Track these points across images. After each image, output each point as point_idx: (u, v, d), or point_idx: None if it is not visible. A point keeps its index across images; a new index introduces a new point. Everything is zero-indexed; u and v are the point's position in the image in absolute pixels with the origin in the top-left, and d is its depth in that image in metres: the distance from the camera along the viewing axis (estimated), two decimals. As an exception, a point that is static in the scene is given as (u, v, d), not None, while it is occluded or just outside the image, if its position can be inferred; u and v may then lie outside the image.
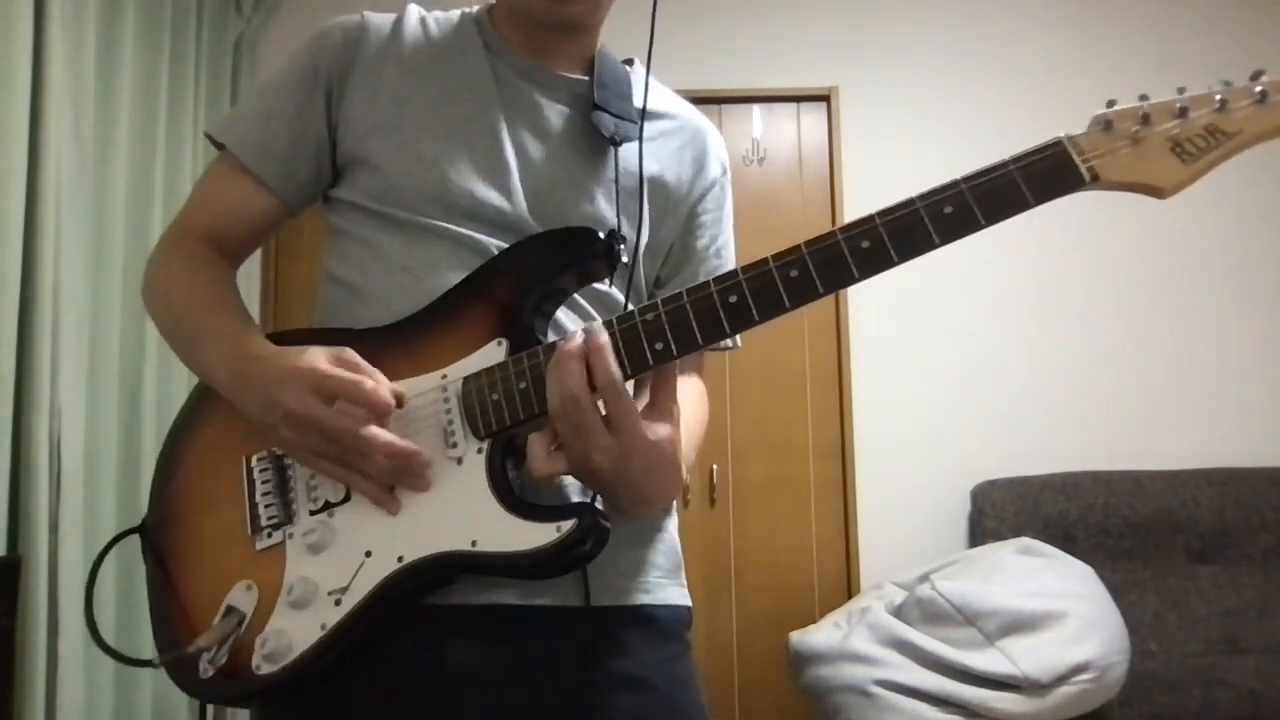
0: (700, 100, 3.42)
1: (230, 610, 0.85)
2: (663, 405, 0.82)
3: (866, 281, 0.76)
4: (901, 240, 0.74)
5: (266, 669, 0.82)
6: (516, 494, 0.82)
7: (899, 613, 2.38)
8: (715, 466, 3.09)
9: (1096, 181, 0.71)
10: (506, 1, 1.02)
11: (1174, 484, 2.83)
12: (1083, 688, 2.13)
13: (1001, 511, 2.82)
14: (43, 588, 1.98)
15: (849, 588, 3.02)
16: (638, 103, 1.00)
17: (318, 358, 0.84)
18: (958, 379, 3.12)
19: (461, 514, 0.82)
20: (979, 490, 2.93)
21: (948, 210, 0.73)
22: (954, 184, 0.73)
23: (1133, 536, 2.78)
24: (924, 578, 2.42)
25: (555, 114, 0.99)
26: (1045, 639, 2.17)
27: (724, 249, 1.08)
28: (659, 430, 0.81)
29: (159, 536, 0.93)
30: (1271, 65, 0.72)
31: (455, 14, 1.04)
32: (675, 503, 1.02)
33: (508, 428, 0.82)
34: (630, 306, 0.93)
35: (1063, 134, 0.73)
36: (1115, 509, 2.79)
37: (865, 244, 0.75)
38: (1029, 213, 0.75)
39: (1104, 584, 2.41)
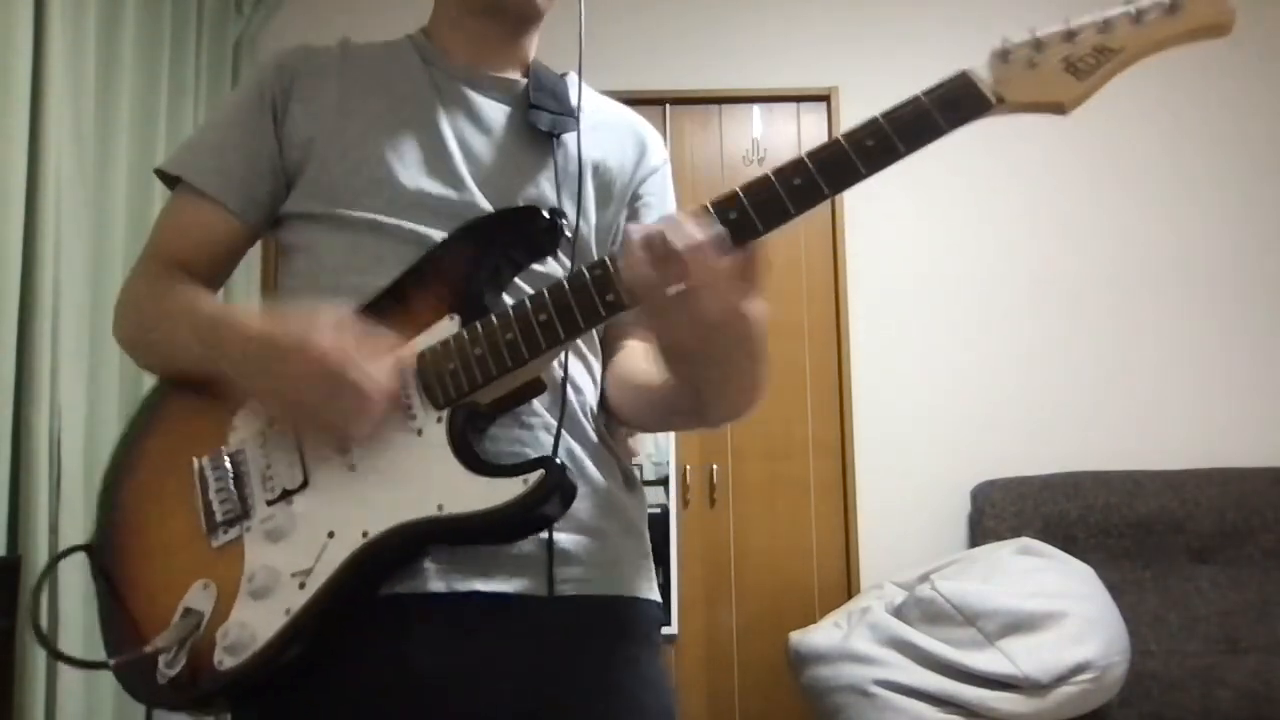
0: (700, 100, 3.44)
1: (188, 612, 0.83)
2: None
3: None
4: (830, 173, 0.78)
5: (229, 662, 0.80)
6: (482, 458, 0.83)
7: (899, 613, 2.38)
8: (715, 466, 3.09)
9: (1002, 104, 0.77)
10: (454, 5, 1.05)
11: (1174, 484, 2.83)
12: (1083, 688, 2.13)
13: (1001, 511, 2.82)
14: (43, 588, 1.98)
15: (849, 588, 3.01)
16: (574, 100, 1.04)
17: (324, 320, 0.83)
18: (958, 379, 3.12)
19: (425, 481, 0.81)
20: (979, 490, 2.93)
21: (869, 143, 0.77)
22: (873, 120, 0.78)
23: (1133, 536, 2.77)
24: (924, 578, 2.42)
25: (494, 110, 1.02)
26: (1045, 639, 2.17)
27: None
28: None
29: (107, 552, 0.91)
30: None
31: (391, 39, 1.08)
32: (668, 498, 1.03)
33: (466, 394, 0.83)
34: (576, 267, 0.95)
35: (965, 67, 0.79)
36: (1115, 509, 2.79)
37: (797, 180, 0.78)
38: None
39: (1104, 584, 2.41)
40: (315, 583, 0.81)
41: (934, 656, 2.21)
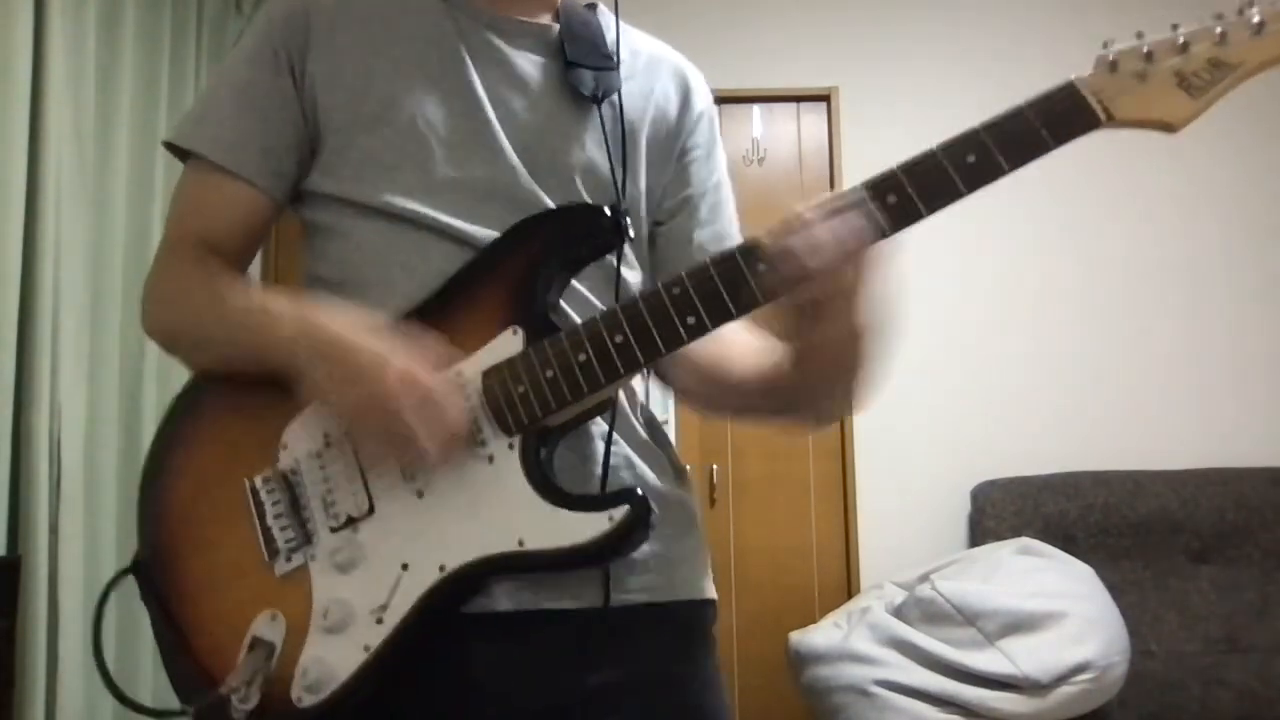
0: (700, 100, 3.39)
1: (256, 643, 0.79)
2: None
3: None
4: (928, 192, 0.73)
5: (309, 700, 0.77)
6: (558, 486, 0.79)
7: (899, 613, 2.38)
8: (715, 466, 3.09)
9: (1112, 120, 0.72)
10: None
11: (1174, 484, 2.83)
12: (1083, 688, 2.13)
13: (1001, 511, 2.82)
14: (43, 588, 1.98)
15: (849, 588, 3.01)
16: (611, 44, 0.96)
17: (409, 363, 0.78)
18: (958, 379, 3.12)
19: (502, 514, 0.78)
20: (979, 490, 2.93)
21: (971, 159, 0.72)
22: (973, 132, 0.73)
23: (1133, 536, 2.77)
24: (924, 578, 2.42)
25: (529, 64, 0.93)
26: (1045, 639, 2.17)
27: (722, 182, 1.03)
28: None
29: (158, 574, 0.86)
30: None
31: None
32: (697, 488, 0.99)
33: (539, 419, 0.78)
34: (624, 275, 0.90)
35: (1072, 76, 0.73)
36: (1115, 509, 2.79)
37: (892, 199, 0.74)
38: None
39: (1104, 584, 2.41)
40: (393, 618, 0.78)
41: (934, 656, 2.20)
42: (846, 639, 2.34)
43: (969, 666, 2.16)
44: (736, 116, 3.29)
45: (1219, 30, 0.70)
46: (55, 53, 2.12)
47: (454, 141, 0.89)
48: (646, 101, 0.97)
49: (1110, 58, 0.73)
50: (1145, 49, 0.72)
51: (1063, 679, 2.12)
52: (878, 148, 3.27)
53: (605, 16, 0.99)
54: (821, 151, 3.27)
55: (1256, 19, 0.70)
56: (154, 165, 2.55)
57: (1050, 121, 0.72)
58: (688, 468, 0.99)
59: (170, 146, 0.95)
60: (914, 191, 0.73)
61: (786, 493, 3.11)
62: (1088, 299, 3.16)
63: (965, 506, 2.99)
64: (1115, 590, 2.42)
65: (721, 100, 3.72)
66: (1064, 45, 3.21)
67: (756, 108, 3.29)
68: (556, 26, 0.95)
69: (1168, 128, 0.72)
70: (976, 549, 2.68)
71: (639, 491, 0.78)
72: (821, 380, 0.82)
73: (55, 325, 2.08)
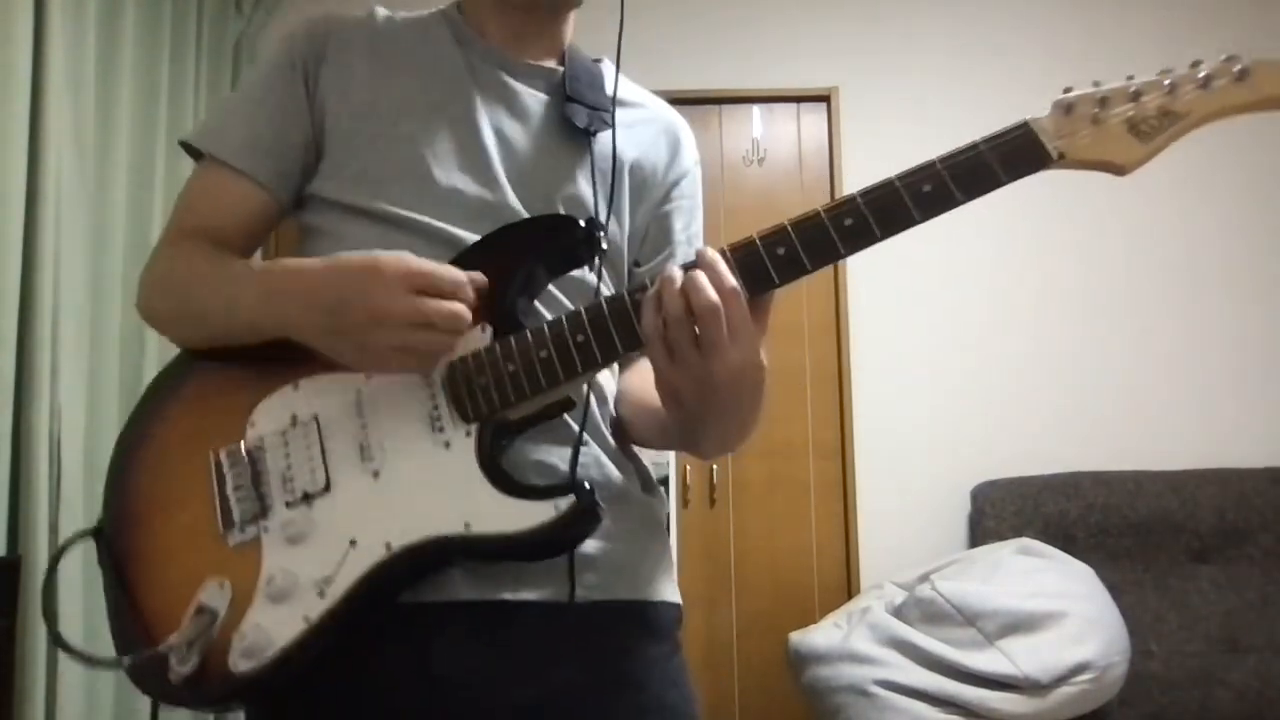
0: (700, 100, 3.43)
1: (202, 609, 0.81)
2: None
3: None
4: (883, 217, 0.77)
5: (245, 666, 0.79)
6: (510, 475, 0.81)
7: (899, 613, 2.38)
8: (715, 466, 3.09)
9: (1063, 160, 0.76)
10: None
11: (1174, 484, 2.83)
12: (1083, 688, 2.13)
13: (1001, 511, 2.82)
14: (54, 578, 1.98)
15: (849, 588, 3.01)
16: (610, 89, 1.02)
17: (399, 257, 0.81)
18: (958, 379, 3.12)
19: (452, 497, 0.80)
20: (979, 490, 2.93)
21: (926, 189, 0.76)
22: (930, 164, 0.77)
23: (1133, 536, 2.77)
24: (924, 578, 2.43)
25: (532, 100, 0.99)
26: (1045, 639, 2.17)
27: (696, 237, 1.09)
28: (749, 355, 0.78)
29: (118, 539, 0.89)
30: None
31: (422, 12, 1.04)
32: (668, 498, 1.01)
33: (496, 410, 0.82)
34: (604, 290, 0.93)
35: (1027, 117, 0.77)
36: (1115, 509, 2.79)
37: (849, 221, 0.77)
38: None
39: (1104, 584, 2.41)
40: (335, 592, 0.80)
41: (934, 657, 2.21)
42: (846, 639, 2.34)
43: (969, 667, 2.16)
44: (736, 116, 3.29)
45: (1169, 82, 0.76)
46: (55, 52, 2.12)
47: (449, 162, 0.93)
48: (636, 147, 1.03)
49: (1067, 102, 0.77)
50: (1100, 95, 0.77)
51: (1063, 679, 2.12)
52: (878, 148, 3.29)
53: (609, 68, 1.05)
54: (821, 151, 3.27)
55: (1203, 74, 0.75)
56: (154, 165, 2.55)
57: (1004, 158, 0.76)
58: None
59: (186, 146, 0.99)
60: (871, 217, 0.77)
61: (786, 493, 3.11)
62: (1088, 299, 3.16)
63: (965, 506, 2.99)
64: (1115, 590, 2.42)
65: (721, 100, 3.71)
66: (1063, 45, 3.21)
67: (756, 108, 3.29)
68: (561, 69, 1.02)
69: (1118, 170, 0.76)
70: (976, 549, 2.68)
71: (587, 485, 0.80)
72: (695, 423, 0.85)
73: (55, 325, 2.08)
